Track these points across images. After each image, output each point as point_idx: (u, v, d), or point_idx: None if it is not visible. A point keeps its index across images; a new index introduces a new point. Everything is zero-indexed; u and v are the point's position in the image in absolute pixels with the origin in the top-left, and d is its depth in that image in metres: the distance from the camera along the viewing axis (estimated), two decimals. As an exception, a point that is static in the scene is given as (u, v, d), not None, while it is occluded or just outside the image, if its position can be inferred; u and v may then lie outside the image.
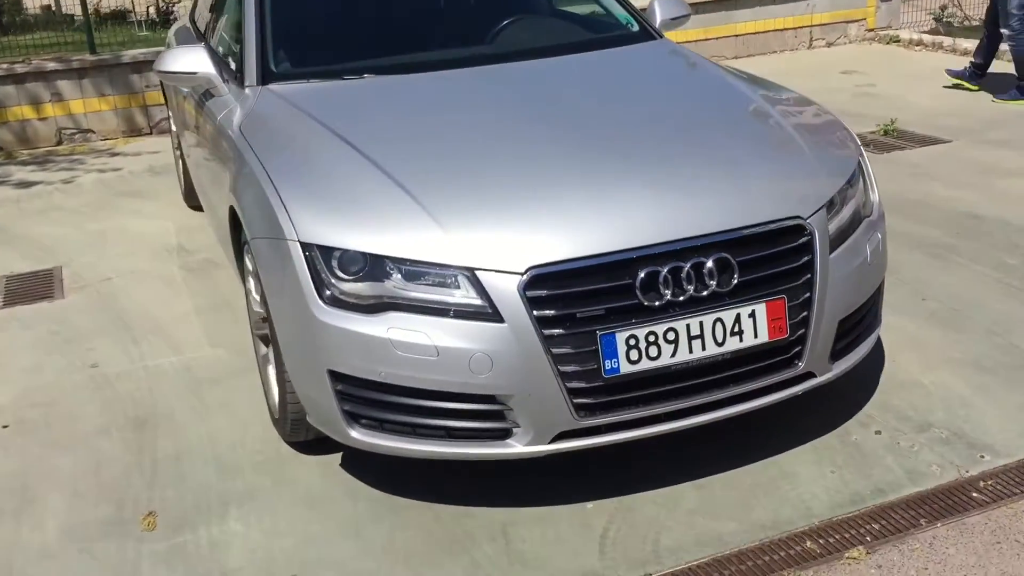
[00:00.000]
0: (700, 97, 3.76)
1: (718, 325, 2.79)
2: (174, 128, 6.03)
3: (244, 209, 3.18)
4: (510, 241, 2.75)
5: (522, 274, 2.68)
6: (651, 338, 2.73)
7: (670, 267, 2.75)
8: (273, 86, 3.74)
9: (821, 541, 2.76)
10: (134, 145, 7.90)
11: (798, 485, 3.01)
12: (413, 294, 2.74)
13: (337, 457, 3.28)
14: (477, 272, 2.70)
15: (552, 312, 2.69)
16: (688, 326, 2.76)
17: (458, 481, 3.09)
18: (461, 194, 2.91)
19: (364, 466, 3.20)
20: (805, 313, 2.92)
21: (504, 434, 2.79)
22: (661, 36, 4.32)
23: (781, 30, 10.13)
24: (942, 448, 3.16)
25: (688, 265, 2.76)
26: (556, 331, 2.69)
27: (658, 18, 4.42)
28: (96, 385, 3.92)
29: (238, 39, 4.08)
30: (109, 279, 5.04)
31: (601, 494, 3.02)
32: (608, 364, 2.71)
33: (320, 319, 2.80)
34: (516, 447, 2.79)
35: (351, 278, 2.79)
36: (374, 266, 2.77)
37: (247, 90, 3.77)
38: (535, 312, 2.67)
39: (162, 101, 7.99)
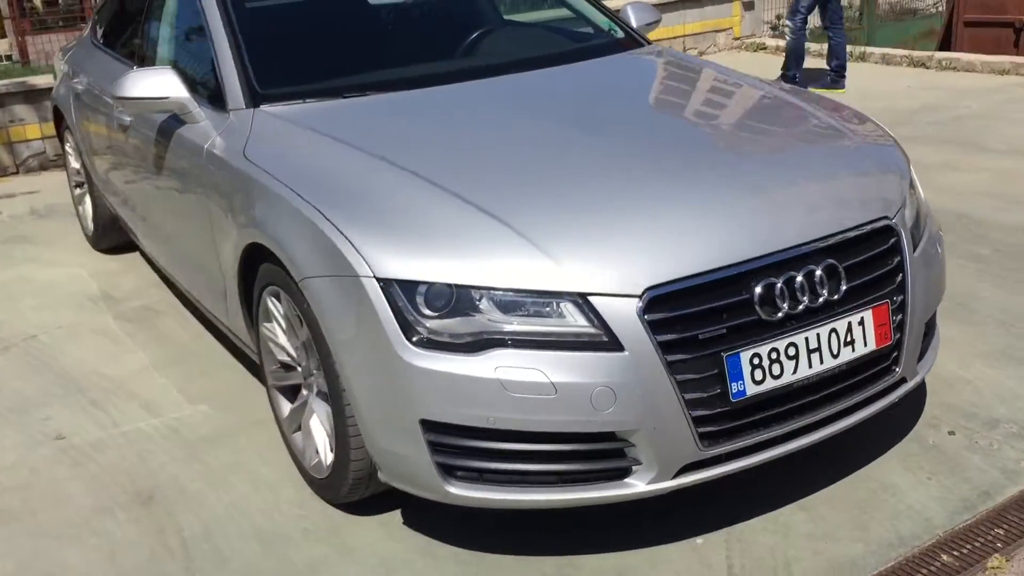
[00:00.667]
0: (743, 103, 3.61)
1: (833, 336, 2.64)
2: (77, 164, 5.44)
3: (284, 246, 2.79)
4: (621, 261, 2.50)
5: (639, 296, 2.45)
6: (773, 355, 2.55)
7: (785, 277, 2.57)
8: (267, 108, 3.35)
9: (955, 553, 2.64)
10: (1, 186, 7.14)
11: (902, 497, 2.89)
12: (517, 327, 2.45)
13: (395, 514, 2.94)
14: (590, 298, 2.44)
15: (673, 335, 2.46)
16: (807, 339, 2.59)
17: (538, 529, 2.81)
18: (554, 213, 2.63)
19: (433, 521, 2.87)
20: (900, 316, 2.81)
21: (623, 473, 2.54)
22: (648, 42, 4.17)
23: (655, 40, 10.22)
24: (1018, 442, 3.12)
25: (801, 274, 2.59)
26: (679, 356, 2.46)
27: (633, 24, 4.28)
28: (72, 460, 3.41)
29: (202, 58, 3.67)
30: (34, 336, 4.46)
31: (705, 527, 2.80)
32: (735, 387, 2.50)
33: (410, 363, 2.47)
34: (638, 486, 2.53)
35: (437, 314, 2.47)
36: (462, 299, 2.47)
37: (232, 115, 3.37)
38: (657, 337, 2.44)
39: (37, 136, 7.32)
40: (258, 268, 3.05)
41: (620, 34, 4.19)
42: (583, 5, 4.34)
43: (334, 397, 2.73)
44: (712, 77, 3.83)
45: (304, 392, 3.05)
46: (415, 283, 2.49)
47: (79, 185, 5.54)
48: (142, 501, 3.13)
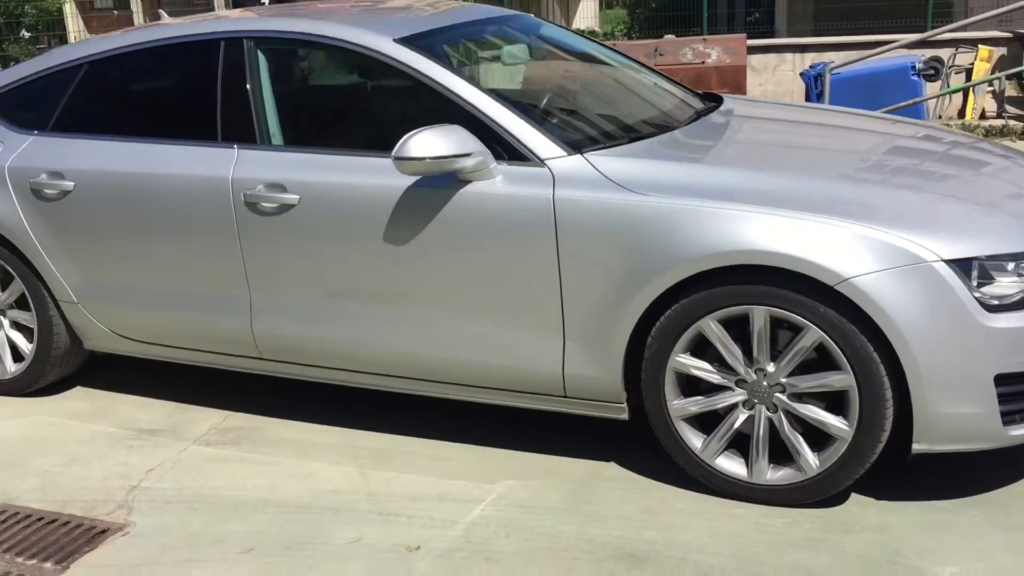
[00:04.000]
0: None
1: None
2: None
3: (800, 255, 2.94)
4: None
5: None
6: None
7: None
8: (593, 156, 3.33)
9: None
10: None
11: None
12: None
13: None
14: None
15: None
16: None
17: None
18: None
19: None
20: None
21: None
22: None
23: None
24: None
25: None
26: None
27: None
28: (460, 563, 3.01)
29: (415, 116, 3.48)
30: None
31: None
32: None
33: (988, 326, 2.87)
34: None
35: (991, 282, 2.92)
36: (999, 267, 2.94)
37: (550, 164, 3.29)
38: None
39: None
40: (666, 307, 3.13)
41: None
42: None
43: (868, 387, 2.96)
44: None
45: (740, 409, 3.16)
46: (969, 260, 2.91)
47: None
48: (631, 564, 2.95)
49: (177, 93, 4.09)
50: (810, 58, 12.58)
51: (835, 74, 10.51)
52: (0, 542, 3.25)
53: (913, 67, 11.27)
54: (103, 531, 3.30)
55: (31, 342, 4.29)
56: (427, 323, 3.50)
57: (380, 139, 3.54)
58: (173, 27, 4.05)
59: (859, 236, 2.93)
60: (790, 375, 3.09)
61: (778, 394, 3.12)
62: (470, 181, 3.35)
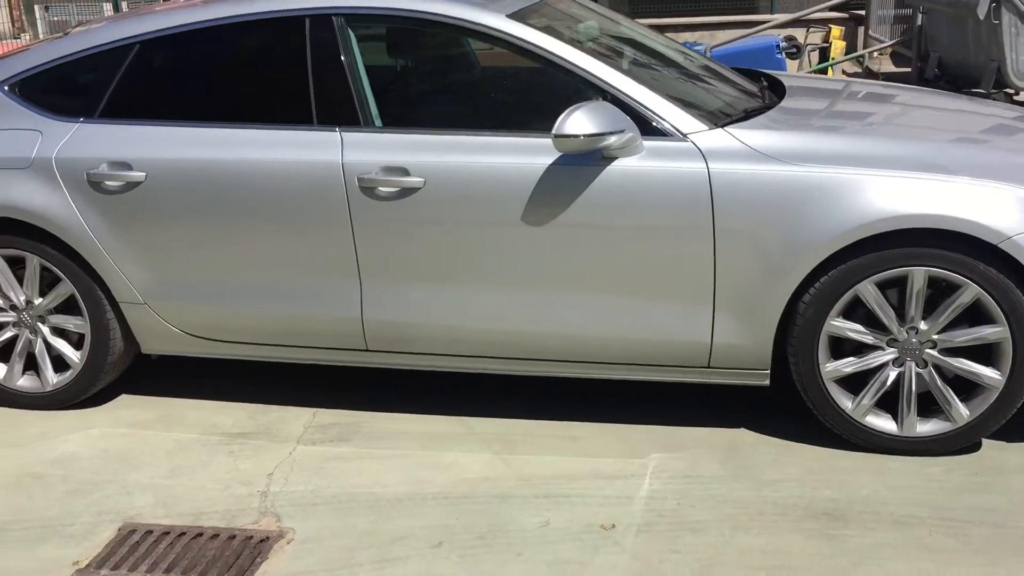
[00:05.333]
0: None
1: None
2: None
3: (968, 217, 3.12)
4: None
5: None
6: None
7: None
8: (733, 130, 3.39)
9: None
10: None
11: None
12: None
13: None
14: None
15: None
16: None
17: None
18: None
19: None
20: None
21: None
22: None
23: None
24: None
25: None
26: None
27: None
28: (667, 532, 3.04)
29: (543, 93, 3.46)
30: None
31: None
32: None
33: None
34: None
35: None
36: None
37: (692, 138, 3.33)
38: None
39: None
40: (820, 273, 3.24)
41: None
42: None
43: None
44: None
45: (890, 367, 3.32)
46: None
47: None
48: (830, 519, 3.06)
49: (258, 75, 3.82)
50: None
51: (712, 52, 11.02)
52: (155, 562, 3.00)
53: (777, 46, 11.95)
54: (263, 540, 3.10)
55: (78, 349, 3.92)
56: (568, 303, 3.47)
57: (509, 118, 3.47)
58: (239, 3, 3.78)
59: (1018, 198, 3.13)
60: (942, 331, 3.27)
61: (928, 350, 3.30)
62: (615, 158, 3.34)
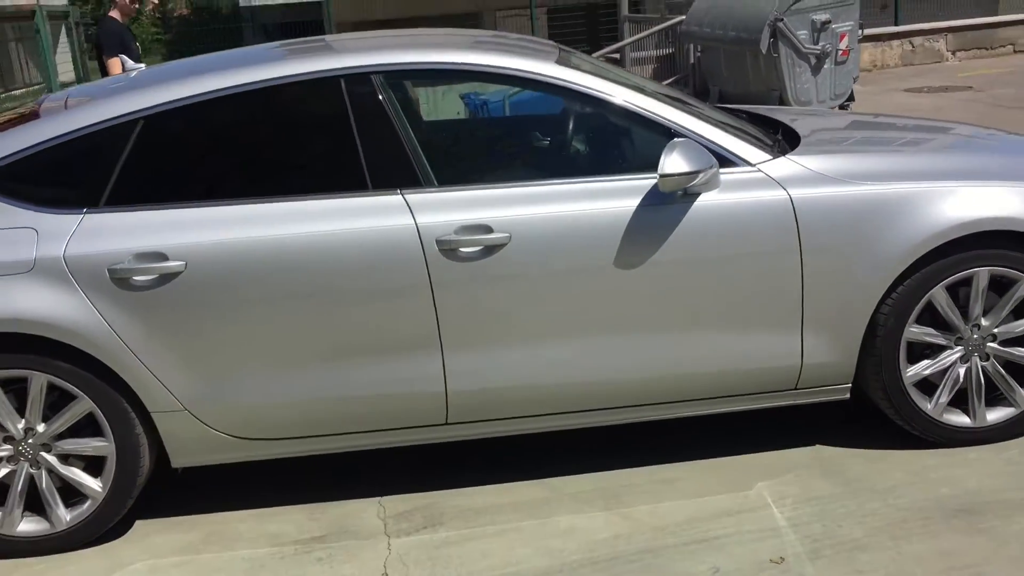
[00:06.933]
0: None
1: None
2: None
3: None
4: None
5: None
6: None
7: None
8: (795, 157, 3.51)
9: None
10: None
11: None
12: None
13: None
14: None
15: None
16: None
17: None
18: None
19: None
20: None
21: None
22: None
23: None
24: None
25: None
26: None
27: None
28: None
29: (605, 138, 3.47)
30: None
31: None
32: None
33: None
34: None
35: None
36: None
37: (762, 167, 3.44)
38: None
39: None
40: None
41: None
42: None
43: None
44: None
45: (957, 365, 3.55)
46: None
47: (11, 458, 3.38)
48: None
49: (296, 142, 3.48)
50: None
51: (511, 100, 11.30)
52: None
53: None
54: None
55: (96, 476, 3.37)
56: (663, 344, 3.43)
57: (579, 164, 3.40)
58: (253, 70, 3.45)
59: None
60: (1001, 323, 3.54)
61: (990, 343, 3.56)
62: (698, 194, 3.36)
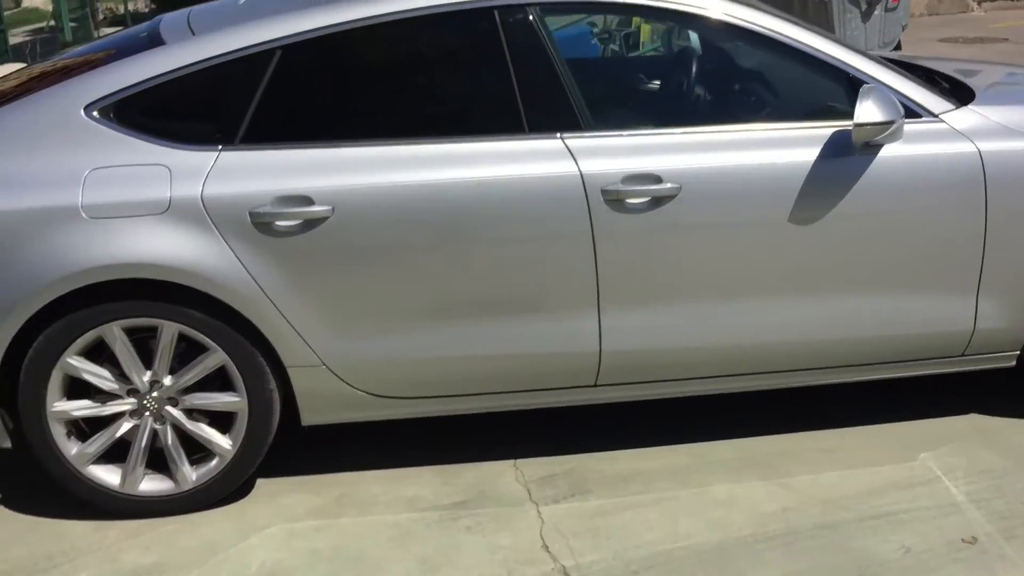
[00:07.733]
0: None
1: None
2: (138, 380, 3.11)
3: None
4: None
5: None
6: None
7: None
8: (979, 108, 3.27)
9: None
10: None
11: None
12: None
13: None
14: None
15: None
16: None
17: None
18: None
19: None
20: None
21: None
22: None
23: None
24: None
25: None
26: None
27: None
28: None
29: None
30: None
31: None
32: None
33: None
34: None
35: None
36: None
37: (946, 116, 3.20)
38: None
39: None
40: None
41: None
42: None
43: None
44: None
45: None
46: None
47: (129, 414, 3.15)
48: None
49: (439, 79, 3.22)
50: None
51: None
52: None
53: (591, 33, 12.15)
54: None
55: (225, 432, 3.15)
56: (832, 306, 3.22)
57: (752, 111, 3.15)
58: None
59: None
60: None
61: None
62: (880, 145, 3.12)
